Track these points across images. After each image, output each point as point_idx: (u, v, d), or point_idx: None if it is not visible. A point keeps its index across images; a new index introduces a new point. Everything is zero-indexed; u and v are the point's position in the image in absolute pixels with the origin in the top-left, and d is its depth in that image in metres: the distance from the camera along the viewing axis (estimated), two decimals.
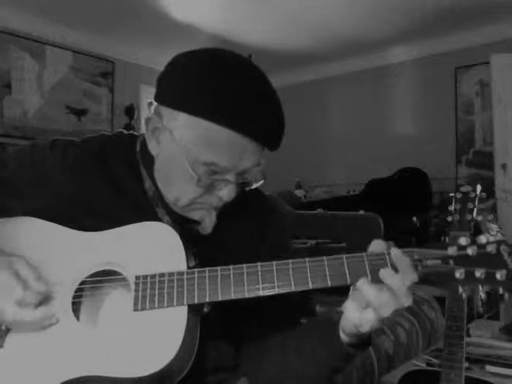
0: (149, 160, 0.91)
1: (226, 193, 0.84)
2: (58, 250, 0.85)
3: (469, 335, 1.83)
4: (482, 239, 0.71)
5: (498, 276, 0.69)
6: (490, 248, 0.70)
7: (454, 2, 3.63)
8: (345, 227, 2.98)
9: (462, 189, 0.90)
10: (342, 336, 0.78)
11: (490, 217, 0.92)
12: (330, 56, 4.83)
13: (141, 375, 0.73)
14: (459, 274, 0.71)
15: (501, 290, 0.69)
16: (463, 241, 0.72)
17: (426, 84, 4.55)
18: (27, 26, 3.93)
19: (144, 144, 0.93)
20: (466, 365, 1.20)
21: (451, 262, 0.71)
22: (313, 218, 3.27)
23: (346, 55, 4.80)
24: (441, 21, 3.95)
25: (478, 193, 0.89)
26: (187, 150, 0.81)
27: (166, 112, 0.83)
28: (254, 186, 0.89)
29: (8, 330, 0.80)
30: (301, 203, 4.32)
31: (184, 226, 0.87)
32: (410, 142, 4.55)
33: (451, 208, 0.92)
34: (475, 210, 0.89)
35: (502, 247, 0.70)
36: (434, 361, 1.62)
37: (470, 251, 0.71)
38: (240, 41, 4.28)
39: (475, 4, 3.66)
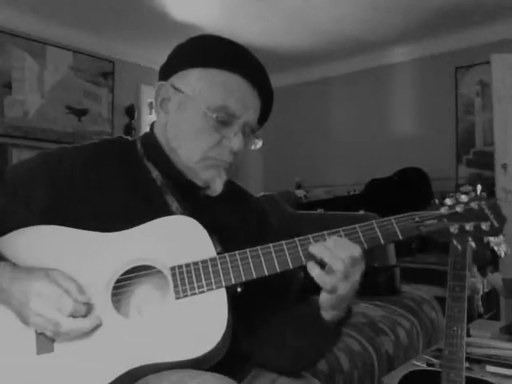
0: (153, 152, 0.99)
1: (236, 142, 0.93)
2: (85, 254, 0.87)
3: (469, 335, 1.83)
4: (464, 198, 0.86)
5: (484, 227, 0.83)
6: (473, 204, 0.85)
7: (454, 2, 3.63)
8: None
9: (463, 189, 0.91)
10: (323, 313, 0.87)
11: None
12: (330, 56, 4.82)
13: (191, 357, 0.79)
14: (453, 228, 0.84)
15: (485, 239, 0.84)
16: (449, 201, 0.86)
17: (426, 84, 4.55)
18: (27, 26, 3.93)
19: (146, 140, 1.02)
20: (466, 365, 1.20)
21: (445, 219, 0.85)
22: (313, 217, 3.27)
23: (346, 55, 4.80)
24: (441, 21, 3.95)
25: (478, 193, 0.89)
26: (201, 99, 0.93)
27: (176, 78, 0.96)
28: (258, 146, 1.01)
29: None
30: (301, 203, 4.31)
31: (195, 213, 0.92)
32: (410, 142, 4.55)
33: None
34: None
35: (482, 202, 0.85)
36: (434, 361, 1.63)
37: (458, 209, 0.85)
38: (240, 40, 4.26)
39: (475, 4, 3.66)
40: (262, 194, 3.45)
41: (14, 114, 3.90)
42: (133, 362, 0.80)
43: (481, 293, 2.95)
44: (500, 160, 3.54)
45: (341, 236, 0.84)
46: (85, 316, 0.80)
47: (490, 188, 3.38)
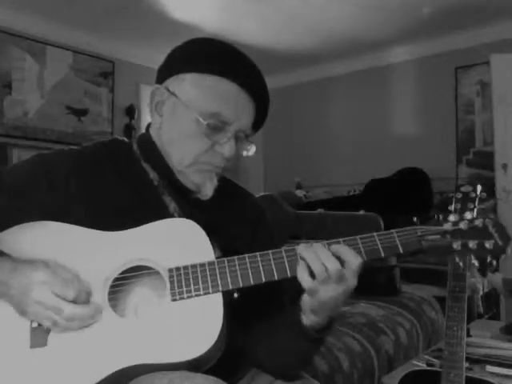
0: (150, 154, 1.00)
1: (228, 148, 0.93)
2: (85, 250, 0.87)
3: (469, 335, 1.83)
4: (468, 215, 0.85)
5: (487, 245, 0.82)
6: (477, 222, 0.84)
7: (454, 2, 3.63)
8: (345, 227, 2.98)
9: (462, 189, 0.91)
10: (304, 318, 0.87)
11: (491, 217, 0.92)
12: (330, 56, 4.82)
13: (186, 359, 0.79)
14: (456, 245, 0.84)
15: (489, 258, 0.83)
16: (453, 217, 0.85)
17: (426, 84, 4.55)
18: (27, 26, 3.93)
19: (142, 141, 1.03)
20: (466, 365, 1.20)
21: (448, 236, 0.84)
22: (313, 217, 3.27)
23: (346, 55, 4.80)
24: (441, 21, 3.95)
25: (478, 193, 0.89)
26: (193, 105, 0.92)
27: (171, 81, 0.95)
28: (251, 152, 1.00)
29: (50, 329, 0.83)
30: (301, 203, 4.31)
31: (192, 214, 0.93)
32: (410, 142, 4.55)
33: (451, 208, 0.92)
34: (475, 210, 0.89)
35: (487, 220, 0.83)
36: (435, 361, 1.63)
37: (462, 225, 0.84)
38: (240, 41, 4.27)
39: (475, 4, 3.66)
40: (261, 193, 3.45)
41: (13, 114, 3.90)
42: (125, 361, 0.79)
43: (481, 293, 2.96)
44: (500, 160, 3.54)
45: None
46: (85, 303, 0.81)
47: (490, 188, 3.38)
